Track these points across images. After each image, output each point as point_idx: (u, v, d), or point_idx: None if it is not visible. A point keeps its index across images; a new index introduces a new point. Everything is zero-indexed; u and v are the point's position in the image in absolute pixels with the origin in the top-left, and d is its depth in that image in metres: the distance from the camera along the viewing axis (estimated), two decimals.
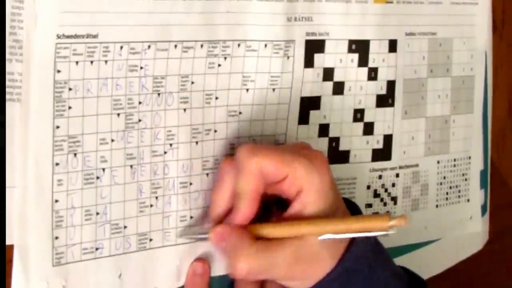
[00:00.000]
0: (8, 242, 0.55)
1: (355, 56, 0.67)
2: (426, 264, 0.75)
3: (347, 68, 0.67)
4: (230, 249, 0.58)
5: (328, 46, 0.65)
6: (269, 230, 0.58)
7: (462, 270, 0.78)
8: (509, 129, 0.82)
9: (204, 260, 0.63)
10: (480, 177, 0.78)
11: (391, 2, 0.67)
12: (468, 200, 0.77)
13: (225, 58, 0.61)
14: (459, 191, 0.76)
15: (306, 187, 0.57)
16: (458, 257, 0.78)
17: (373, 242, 0.60)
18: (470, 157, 0.76)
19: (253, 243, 0.57)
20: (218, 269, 0.64)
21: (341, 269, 0.58)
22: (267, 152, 0.57)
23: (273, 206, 0.61)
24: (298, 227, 0.57)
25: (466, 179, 0.76)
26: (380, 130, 0.70)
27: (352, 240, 0.59)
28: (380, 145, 0.70)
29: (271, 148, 0.59)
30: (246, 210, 0.58)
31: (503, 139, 0.82)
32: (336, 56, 0.66)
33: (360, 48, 0.67)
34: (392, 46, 0.68)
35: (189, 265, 0.62)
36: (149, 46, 0.57)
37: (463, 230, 0.77)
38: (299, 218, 0.58)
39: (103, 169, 0.57)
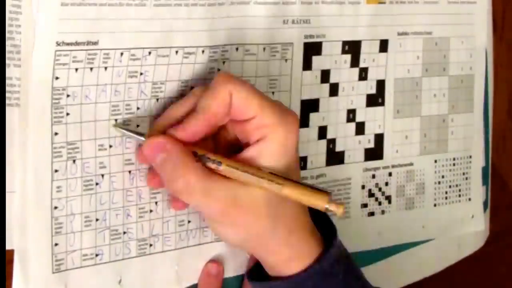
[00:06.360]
0: (8, 247, 0.54)
1: (348, 57, 0.67)
2: (426, 262, 0.75)
3: (341, 69, 0.67)
4: (170, 163, 0.53)
5: (324, 48, 0.65)
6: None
7: (461, 270, 0.78)
8: (509, 130, 0.82)
9: (218, 261, 0.63)
10: (482, 174, 0.77)
11: (384, 3, 0.67)
12: (470, 199, 0.76)
13: (224, 62, 0.60)
14: (460, 190, 0.76)
15: (270, 137, 0.54)
16: (460, 255, 0.78)
17: (343, 248, 0.58)
18: (470, 156, 0.76)
19: (196, 162, 0.53)
20: (231, 271, 0.64)
21: (318, 268, 0.56)
22: (245, 86, 0.53)
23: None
24: (242, 171, 0.54)
25: (466, 178, 0.76)
26: (371, 130, 0.70)
27: (326, 238, 0.57)
28: (371, 145, 0.70)
29: (250, 86, 0.54)
30: (197, 126, 0.53)
31: (503, 140, 0.82)
32: (331, 57, 0.66)
33: (352, 49, 0.67)
34: (383, 46, 0.68)
35: (204, 266, 0.63)
36: (149, 53, 0.56)
37: (464, 229, 0.77)
38: (250, 164, 0.54)
39: (102, 175, 0.57)
